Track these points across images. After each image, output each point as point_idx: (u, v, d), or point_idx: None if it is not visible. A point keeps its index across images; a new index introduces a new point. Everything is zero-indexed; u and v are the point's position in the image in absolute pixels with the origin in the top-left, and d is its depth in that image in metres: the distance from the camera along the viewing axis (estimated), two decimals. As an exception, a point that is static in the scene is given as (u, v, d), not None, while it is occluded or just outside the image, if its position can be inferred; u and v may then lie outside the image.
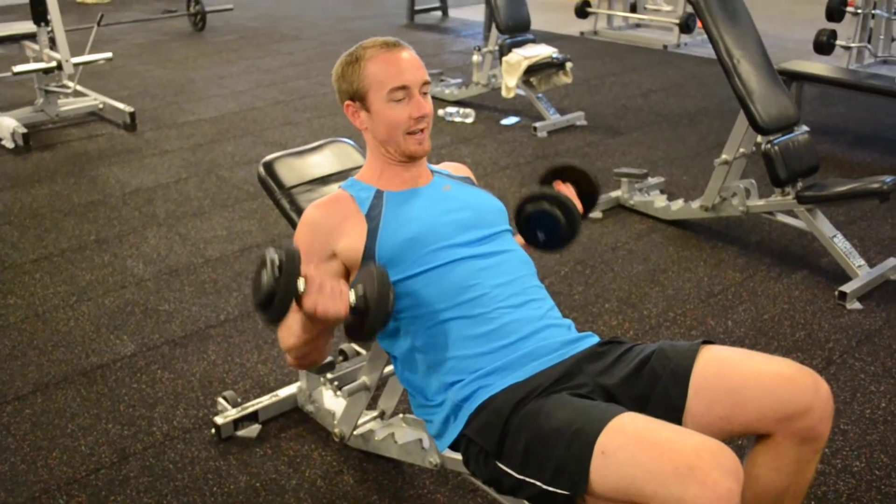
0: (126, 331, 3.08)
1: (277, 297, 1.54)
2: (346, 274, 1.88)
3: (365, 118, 1.88)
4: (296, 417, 2.59)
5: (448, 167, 2.10)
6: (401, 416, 2.36)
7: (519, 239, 2.05)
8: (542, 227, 2.00)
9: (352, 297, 1.62)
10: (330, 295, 1.58)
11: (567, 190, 2.07)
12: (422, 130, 1.85)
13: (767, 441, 1.64)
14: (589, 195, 2.12)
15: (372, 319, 1.62)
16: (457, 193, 1.95)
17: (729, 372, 1.65)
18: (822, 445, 1.65)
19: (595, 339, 1.84)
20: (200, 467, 2.38)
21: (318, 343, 1.80)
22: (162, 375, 2.81)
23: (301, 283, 1.57)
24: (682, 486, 1.34)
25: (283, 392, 2.62)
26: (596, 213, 4.03)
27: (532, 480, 1.56)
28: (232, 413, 2.52)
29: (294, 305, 1.59)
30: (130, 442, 2.49)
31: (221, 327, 3.09)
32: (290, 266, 1.55)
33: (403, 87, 1.81)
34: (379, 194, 1.88)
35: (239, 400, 2.59)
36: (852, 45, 6.46)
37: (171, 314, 3.19)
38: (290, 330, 1.76)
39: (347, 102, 1.89)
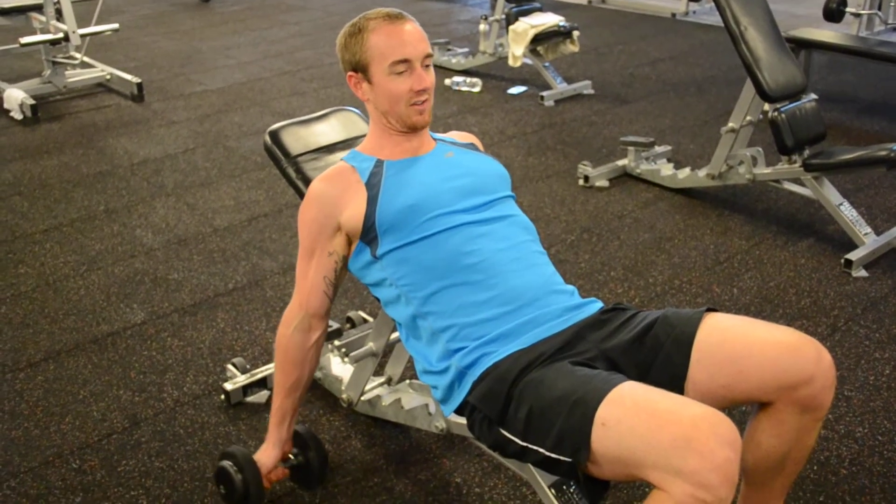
0: (136, 299, 3.11)
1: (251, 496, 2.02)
2: (349, 245, 1.90)
3: (367, 89, 1.88)
4: (304, 384, 2.62)
5: (454, 135, 2.11)
6: (407, 381, 2.38)
7: None
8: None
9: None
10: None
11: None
12: (423, 101, 1.86)
13: (769, 409, 1.66)
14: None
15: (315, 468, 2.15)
16: (459, 160, 1.95)
17: (731, 340, 1.66)
18: (823, 414, 1.66)
19: (599, 305, 1.85)
20: (210, 432, 2.42)
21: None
22: (172, 343, 2.84)
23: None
24: (681, 456, 1.35)
25: (292, 359, 2.64)
26: (602, 182, 4.04)
27: (535, 447, 1.58)
28: (241, 379, 2.55)
29: (302, 246, 1.96)
30: (141, 408, 2.53)
31: (230, 295, 3.12)
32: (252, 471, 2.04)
33: (405, 61, 1.81)
34: (379, 163, 1.89)
35: (248, 366, 2.62)
36: (862, 12, 6.40)
37: (180, 283, 3.22)
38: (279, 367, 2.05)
39: (350, 73, 1.90)
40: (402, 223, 1.80)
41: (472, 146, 2.08)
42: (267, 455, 2.06)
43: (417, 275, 1.79)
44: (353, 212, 1.84)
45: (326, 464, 2.14)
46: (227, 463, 2.02)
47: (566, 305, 1.80)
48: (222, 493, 2.05)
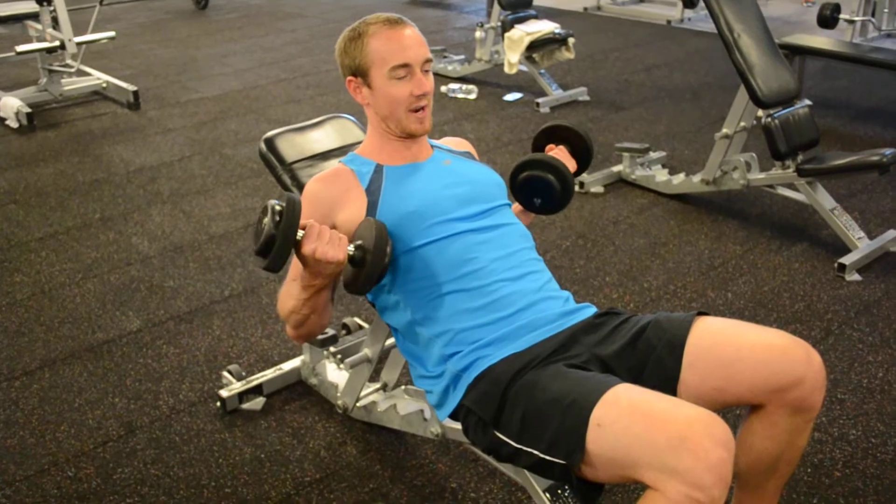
0: (131, 307, 3.11)
1: (277, 242, 1.58)
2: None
3: (367, 94, 1.88)
4: (300, 390, 2.63)
5: (449, 142, 2.12)
6: (402, 387, 2.39)
7: (516, 206, 2.08)
8: (536, 192, 2.04)
9: (350, 247, 1.68)
10: (329, 241, 1.64)
11: (560, 152, 2.11)
12: (423, 108, 1.86)
13: (761, 411, 1.67)
14: (582, 152, 2.15)
15: (369, 269, 1.66)
16: (457, 168, 1.96)
17: (722, 344, 1.68)
18: (814, 415, 1.67)
19: (592, 310, 1.86)
20: (206, 439, 2.42)
21: (316, 305, 1.80)
22: (167, 350, 2.85)
23: (300, 233, 1.62)
24: (675, 456, 1.36)
25: (287, 365, 2.65)
26: (598, 188, 4.05)
27: (529, 449, 1.59)
28: (237, 386, 2.56)
29: (295, 260, 1.65)
30: (137, 415, 2.53)
31: (226, 303, 3.13)
32: (291, 212, 1.58)
33: (405, 65, 1.82)
34: (379, 168, 1.90)
35: (243, 374, 2.62)
36: (856, 18, 6.43)
37: (176, 290, 3.22)
38: (290, 293, 1.80)
39: (350, 78, 1.90)
40: (402, 230, 1.81)
41: (467, 154, 2.09)
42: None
43: (417, 282, 1.80)
44: (351, 216, 1.85)
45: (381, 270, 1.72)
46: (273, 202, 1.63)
47: (560, 311, 1.81)
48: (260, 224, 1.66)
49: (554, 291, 1.86)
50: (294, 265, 1.85)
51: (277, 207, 1.59)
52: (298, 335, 1.92)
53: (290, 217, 1.58)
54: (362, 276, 1.68)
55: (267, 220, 1.59)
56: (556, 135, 2.17)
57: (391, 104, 1.85)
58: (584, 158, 2.16)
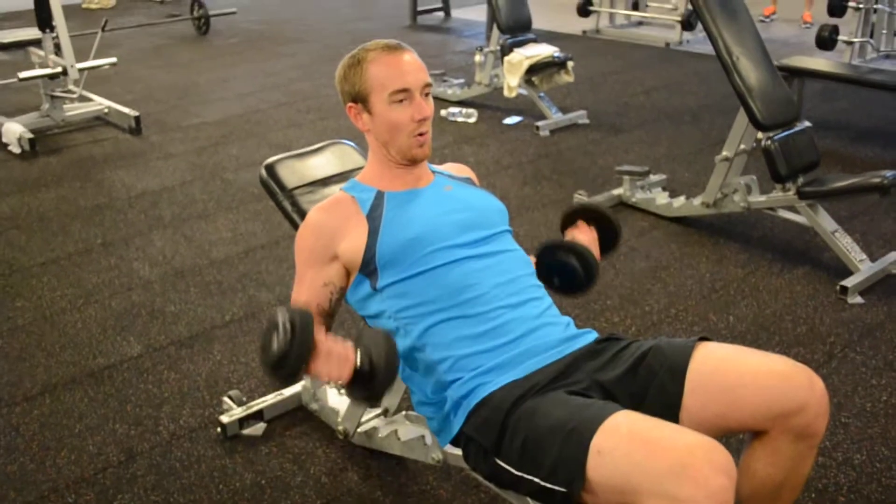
0: (132, 332, 3.11)
1: (290, 361, 1.56)
2: (347, 276, 1.90)
3: (367, 120, 1.89)
4: (300, 416, 2.62)
5: (450, 168, 2.11)
6: (403, 413, 2.38)
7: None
8: (560, 274, 2.05)
9: (357, 359, 1.63)
10: (336, 362, 1.61)
11: (586, 233, 2.11)
12: (423, 133, 1.86)
13: (764, 437, 1.66)
14: (609, 235, 2.15)
15: (378, 384, 1.63)
16: (458, 194, 1.96)
17: (724, 370, 1.67)
18: (818, 441, 1.66)
19: (593, 336, 1.86)
20: (206, 465, 2.41)
21: None
22: (168, 376, 2.84)
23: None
24: (676, 483, 1.36)
25: (288, 391, 2.64)
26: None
27: (530, 477, 1.58)
28: (237, 412, 2.55)
29: (299, 271, 1.71)
30: (137, 441, 2.52)
31: (227, 328, 3.12)
32: (304, 333, 1.57)
33: (405, 90, 1.82)
34: (380, 195, 1.89)
35: (244, 399, 2.62)
36: (854, 40, 6.46)
37: (177, 315, 3.22)
38: None
39: (350, 104, 1.90)
40: (403, 256, 1.81)
41: (468, 180, 2.08)
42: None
43: (416, 308, 1.80)
44: (353, 244, 1.84)
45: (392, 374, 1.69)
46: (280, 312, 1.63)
47: (561, 337, 1.80)
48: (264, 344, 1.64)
49: (554, 317, 1.86)
50: (303, 276, 1.93)
51: (288, 324, 1.57)
52: None
53: (303, 338, 1.56)
54: (373, 390, 1.66)
55: (278, 336, 1.57)
56: (586, 215, 2.16)
57: (391, 129, 1.85)
58: (610, 242, 2.16)
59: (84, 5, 10.12)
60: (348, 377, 1.62)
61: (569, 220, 2.17)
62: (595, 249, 2.08)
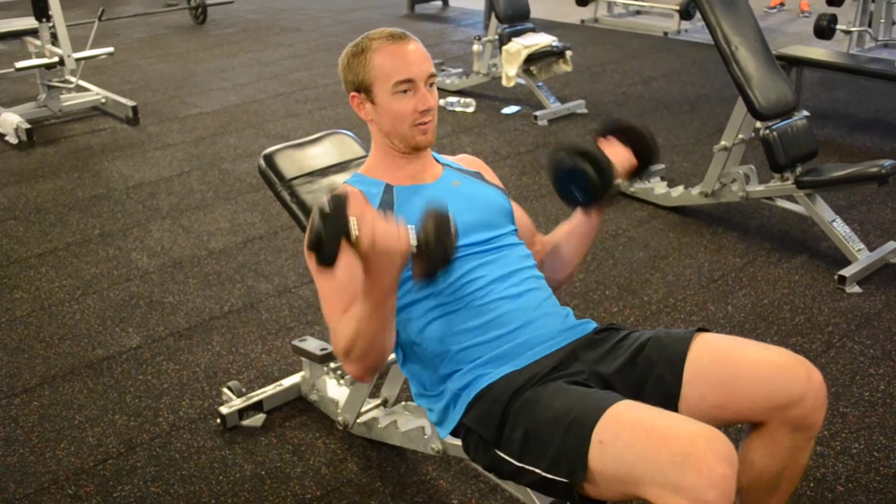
0: (131, 323, 3.11)
1: (326, 232, 1.48)
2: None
3: (370, 110, 1.86)
4: (300, 406, 2.62)
5: (461, 160, 2.08)
6: (403, 403, 2.39)
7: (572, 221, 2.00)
8: (572, 181, 1.88)
9: (412, 233, 1.53)
10: (386, 226, 1.49)
11: (616, 147, 1.96)
12: (428, 122, 1.84)
13: (762, 429, 1.66)
14: (643, 155, 1.99)
15: (434, 252, 1.51)
16: (465, 191, 1.92)
17: (722, 361, 1.67)
18: (815, 433, 1.67)
19: (593, 326, 1.85)
20: (206, 456, 2.41)
21: (384, 319, 1.63)
22: (167, 367, 2.84)
23: (353, 224, 1.50)
24: (679, 472, 1.36)
25: (287, 381, 2.64)
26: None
27: (531, 468, 1.58)
28: (237, 403, 2.55)
29: (346, 285, 1.64)
30: (137, 432, 2.52)
31: (225, 318, 3.12)
32: (338, 203, 1.49)
33: (409, 80, 1.79)
34: (389, 189, 1.86)
35: (243, 390, 2.62)
36: (853, 29, 6.45)
37: (176, 306, 3.22)
38: (349, 320, 1.66)
39: (353, 94, 1.87)
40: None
41: (478, 174, 2.04)
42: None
43: (418, 304, 1.79)
44: None
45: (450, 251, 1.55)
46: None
47: (560, 327, 1.80)
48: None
49: (553, 308, 1.85)
50: (342, 290, 1.72)
51: (325, 204, 1.49)
52: (365, 367, 1.70)
53: (336, 207, 1.48)
54: (430, 260, 1.52)
55: (316, 216, 1.49)
56: (623, 133, 2.00)
57: (395, 120, 1.82)
58: (643, 163, 2.00)
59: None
60: (405, 245, 1.50)
61: (603, 135, 2.01)
62: (622, 166, 1.92)
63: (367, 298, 1.58)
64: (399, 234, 1.49)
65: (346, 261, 1.55)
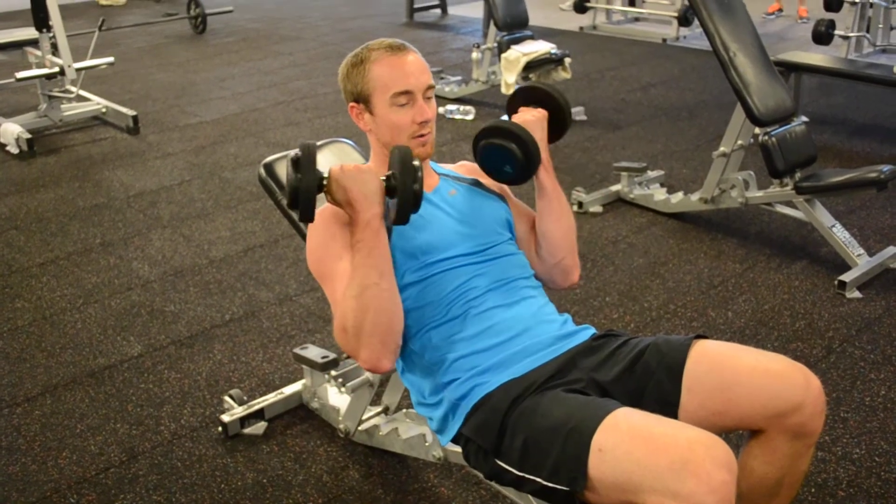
0: (132, 332, 3.11)
1: (298, 182, 1.61)
2: None
3: (369, 120, 1.87)
4: (301, 414, 2.62)
5: (460, 168, 2.09)
6: (404, 411, 2.39)
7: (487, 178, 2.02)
8: (499, 160, 1.94)
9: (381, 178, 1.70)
10: (355, 170, 1.67)
11: (533, 113, 1.98)
12: (424, 134, 1.85)
13: (761, 436, 1.67)
14: (558, 116, 2.02)
15: (403, 192, 1.65)
16: (462, 200, 1.93)
17: (720, 368, 1.67)
18: (814, 440, 1.67)
19: (591, 332, 1.85)
20: (208, 465, 2.42)
21: (384, 270, 1.66)
22: (169, 375, 2.84)
23: (323, 175, 1.67)
24: (678, 479, 1.36)
25: (289, 389, 2.65)
26: (596, 208, 4.06)
27: (532, 477, 1.59)
28: (238, 411, 2.55)
29: (336, 265, 1.73)
30: (139, 441, 2.52)
31: (226, 327, 3.13)
32: (306, 151, 1.63)
33: (407, 92, 1.80)
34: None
35: (245, 398, 2.62)
36: (851, 34, 6.46)
37: (177, 315, 3.22)
38: (349, 284, 1.66)
39: (352, 104, 1.88)
40: (403, 264, 1.79)
41: (475, 182, 2.04)
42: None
43: (414, 313, 1.79)
44: None
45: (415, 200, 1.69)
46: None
47: (557, 334, 1.80)
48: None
49: (550, 315, 1.85)
50: (334, 274, 1.75)
51: (294, 156, 1.63)
52: (376, 345, 1.67)
53: (307, 158, 1.62)
54: (400, 202, 1.66)
55: (288, 172, 1.63)
56: (533, 97, 2.03)
57: (393, 131, 1.83)
58: (560, 125, 2.04)
59: (101, 1, 10.10)
60: (379, 185, 1.68)
61: (512, 108, 2.04)
62: (539, 131, 1.94)
63: (357, 247, 1.66)
64: (368, 173, 1.66)
65: (347, 252, 1.70)
